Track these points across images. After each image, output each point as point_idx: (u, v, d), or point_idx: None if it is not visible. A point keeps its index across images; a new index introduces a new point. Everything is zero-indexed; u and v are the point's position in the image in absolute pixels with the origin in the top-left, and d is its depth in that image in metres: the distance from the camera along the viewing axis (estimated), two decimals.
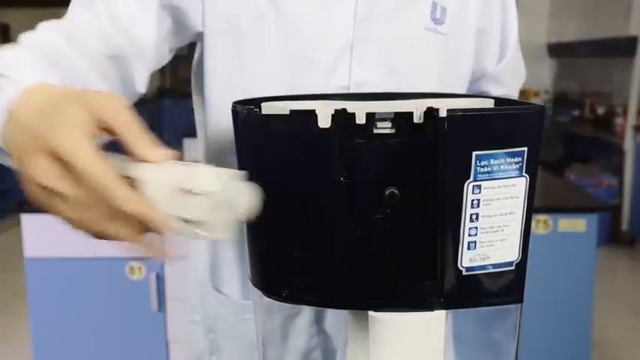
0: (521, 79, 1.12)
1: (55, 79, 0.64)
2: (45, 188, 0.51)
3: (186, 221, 0.50)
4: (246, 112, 0.63)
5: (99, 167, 0.49)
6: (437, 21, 0.86)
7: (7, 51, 0.67)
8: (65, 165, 0.50)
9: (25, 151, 0.52)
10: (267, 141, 0.62)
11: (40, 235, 2.17)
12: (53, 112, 0.52)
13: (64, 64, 0.69)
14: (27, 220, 2.17)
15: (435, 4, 0.85)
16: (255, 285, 0.68)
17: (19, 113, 0.55)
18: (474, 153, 0.58)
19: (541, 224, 2.13)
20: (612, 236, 4.17)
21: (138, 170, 0.51)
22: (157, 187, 0.50)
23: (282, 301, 0.65)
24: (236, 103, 0.66)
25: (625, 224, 4.18)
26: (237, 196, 0.54)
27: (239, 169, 0.69)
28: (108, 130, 0.52)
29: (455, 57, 0.91)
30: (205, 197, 0.50)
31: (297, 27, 0.79)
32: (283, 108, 0.62)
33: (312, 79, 0.81)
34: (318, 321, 0.88)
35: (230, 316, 0.91)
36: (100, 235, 0.53)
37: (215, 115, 0.85)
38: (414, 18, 0.84)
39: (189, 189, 0.50)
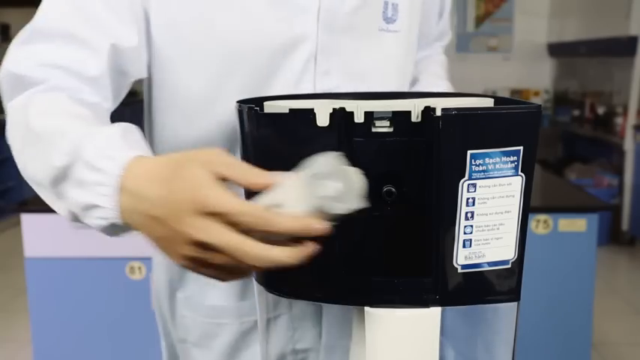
0: (448, 38, 1.13)
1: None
2: (203, 245, 0.56)
3: (323, 209, 0.55)
4: (247, 110, 0.64)
5: (249, 207, 0.55)
6: (389, 20, 0.86)
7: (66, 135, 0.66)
8: (219, 217, 0.55)
9: (171, 219, 0.57)
10: (268, 139, 0.63)
11: (40, 235, 2.17)
12: (179, 178, 0.57)
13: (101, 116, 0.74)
14: (27, 220, 2.17)
15: (386, 3, 0.85)
16: (258, 281, 0.69)
17: (137, 187, 0.60)
18: (469, 152, 0.58)
19: (541, 224, 2.13)
20: (612, 236, 4.16)
21: (269, 198, 0.56)
22: (293, 199, 0.55)
23: (282, 296, 0.65)
24: (239, 102, 0.67)
25: (625, 224, 4.17)
26: (346, 169, 0.57)
27: None
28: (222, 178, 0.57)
29: (412, 48, 0.93)
30: (329, 176, 0.55)
31: (264, 42, 0.78)
32: (284, 107, 0.62)
33: (278, 91, 0.80)
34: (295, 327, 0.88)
35: (203, 323, 0.90)
36: (259, 266, 0.56)
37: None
38: (369, 22, 0.84)
39: (313, 176, 0.55)
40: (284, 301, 0.85)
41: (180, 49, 0.78)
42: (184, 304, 0.92)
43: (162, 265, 0.95)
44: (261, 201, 0.56)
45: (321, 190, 0.55)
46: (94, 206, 0.62)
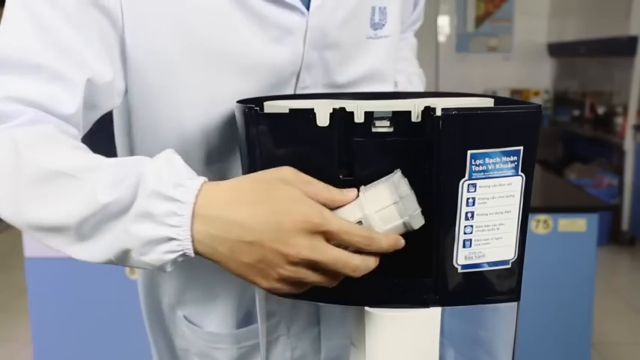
0: (420, 23, 1.12)
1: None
2: (308, 263, 0.57)
3: (405, 226, 0.59)
4: (247, 110, 0.64)
5: (354, 226, 0.58)
6: (376, 25, 0.83)
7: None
8: (324, 234, 0.56)
9: (273, 241, 0.56)
10: (268, 139, 0.63)
11: None
12: (276, 199, 0.57)
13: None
14: None
15: (373, 8, 0.82)
16: None
17: (222, 214, 0.58)
18: (469, 152, 0.58)
19: (541, 224, 2.12)
20: (612, 236, 4.16)
21: (350, 214, 0.59)
22: (377, 215, 0.58)
23: (283, 296, 0.65)
24: (239, 102, 0.67)
25: (625, 224, 4.17)
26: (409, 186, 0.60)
27: (243, 167, 0.70)
28: None
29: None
30: (409, 196, 0.58)
31: (250, 65, 0.74)
32: (284, 107, 0.62)
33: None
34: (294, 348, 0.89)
35: (202, 344, 0.90)
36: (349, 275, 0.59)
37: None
38: (356, 33, 0.81)
39: (399, 197, 0.58)
40: (282, 323, 0.86)
41: (165, 75, 0.73)
42: (184, 322, 0.92)
43: (160, 287, 0.94)
44: (347, 218, 0.59)
45: (407, 209, 0.58)
46: (165, 239, 0.58)
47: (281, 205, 0.56)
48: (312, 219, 0.56)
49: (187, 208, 0.57)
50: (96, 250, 0.61)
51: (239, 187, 0.59)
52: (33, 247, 2.16)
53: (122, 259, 0.61)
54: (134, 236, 0.59)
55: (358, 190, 0.60)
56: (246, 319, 0.89)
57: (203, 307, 0.90)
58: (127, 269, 2.14)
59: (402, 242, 0.59)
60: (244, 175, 0.62)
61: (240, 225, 0.57)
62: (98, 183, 0.59)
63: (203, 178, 0.60)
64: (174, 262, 0.60)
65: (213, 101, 0.74)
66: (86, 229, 0.60)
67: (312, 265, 0.57)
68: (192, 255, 0.59)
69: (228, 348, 0.89)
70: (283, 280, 0.58)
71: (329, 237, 0.57)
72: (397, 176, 0.59)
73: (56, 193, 0.60)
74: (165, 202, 0.58)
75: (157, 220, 0.58)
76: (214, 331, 0.89)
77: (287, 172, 0.59)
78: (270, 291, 0.60)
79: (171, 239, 0.58)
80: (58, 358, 2.24)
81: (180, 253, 0.59)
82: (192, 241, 0.58)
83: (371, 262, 0.59)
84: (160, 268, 0.61)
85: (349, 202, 0.59)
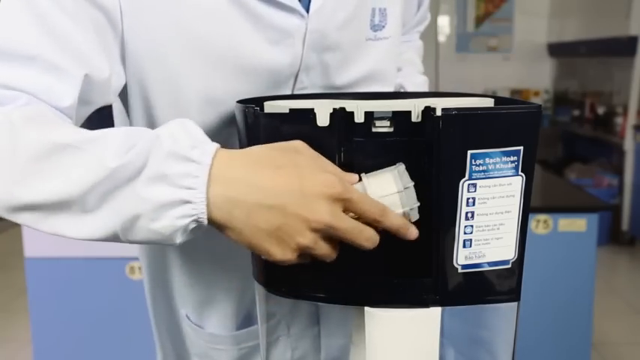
0: (426, 23, 1.14)
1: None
2: (329, 229, 0.56)
3: (404, 213, 0.60)
4: (247, 110, 0.64)
5: (368, 197, 0.58)
6: (376, 27, 0.82)
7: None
8: (343, 202, 0.57)
9: (296, 206, 0.55)
10: (268, 139, 0.63)
11: (40, 235, 2.15)
12: (296, 165, 0.57)
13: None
14: None
15: (373, 10, 0.81)
16: (258, 280, 0.69)
17: (242, 176, 0.56)
18: (469, 152, 0.58)
19: (541, 224, 2.12)
20: (612, 236, 4.16)
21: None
22: (380, 201, 0.59)
23: (282, 296, 0.65)
24: (239, 102, 0.67)
25: (625, 224, 4.17)
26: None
27: None
28: None
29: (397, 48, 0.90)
30: (411, 189, 0.59)
31: (248, 65, 0.74)
32: (284, 106, 0.62)
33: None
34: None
35: (202, 344, 0.91)
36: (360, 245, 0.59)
37: None
38: (356, 34, 0.80)
39: (403, 187, 0.59)
40: (282, 323, 0.86)
41: (163, 73, 0.72)
42: (186, 321, 0.92)
43: (166, 284, 0.94)
44: None
45: (408, 200, 0.59)
46: (179, 202, 0.55)
47: (302, 171, 0.56)
48: (336, 186, 0.56)
49: (204, 169, 0.55)
50: (101, 222, 0.57)
51: (256, 153, 0.59)
52: (33, 247, 2.16)
53: (128, 229, 0.57)
54: (146, 200, 0.55)
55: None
56: (246, 320, 0.89)
57: (203, 309, 0.90)
58: (127, 269, 2.14)
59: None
60: (256, 145, 0.61)
61: (261, 188, 0.55)
62: (106, 150, 0.56)
63: (217, 144, 0.58)
64: (185, 230, 0.57)
65: (211, 100, 0.74)
66: (92, 199, 0.56)
67: (329, 234, 0.57)
68: (205, 222, 0.56)
69: (228, 349, 0.89)
70: (299, 249, 0.57)
71: (347, 206, 0.57)
72: (402, 168, 0.60)
73: (59, 165, 0.56)
74: (180, 163, 0.55)
75: (170, 181, 0.55)
76: (214, 332, 0.89)
77: (299, 143, 0.59)
78: (290, 262, 0.58)
79: (185, 202, 0.55)
80: (58, 358, 2.23)
81: (194, 217, 0.56)
82: (208, 205, 0.55)
83: (378, 237, 0.59)
84: (170, 238, 0.57)
85: (352, 184, 0.59)
